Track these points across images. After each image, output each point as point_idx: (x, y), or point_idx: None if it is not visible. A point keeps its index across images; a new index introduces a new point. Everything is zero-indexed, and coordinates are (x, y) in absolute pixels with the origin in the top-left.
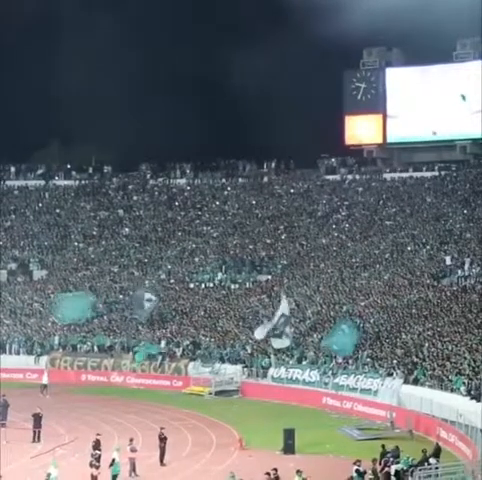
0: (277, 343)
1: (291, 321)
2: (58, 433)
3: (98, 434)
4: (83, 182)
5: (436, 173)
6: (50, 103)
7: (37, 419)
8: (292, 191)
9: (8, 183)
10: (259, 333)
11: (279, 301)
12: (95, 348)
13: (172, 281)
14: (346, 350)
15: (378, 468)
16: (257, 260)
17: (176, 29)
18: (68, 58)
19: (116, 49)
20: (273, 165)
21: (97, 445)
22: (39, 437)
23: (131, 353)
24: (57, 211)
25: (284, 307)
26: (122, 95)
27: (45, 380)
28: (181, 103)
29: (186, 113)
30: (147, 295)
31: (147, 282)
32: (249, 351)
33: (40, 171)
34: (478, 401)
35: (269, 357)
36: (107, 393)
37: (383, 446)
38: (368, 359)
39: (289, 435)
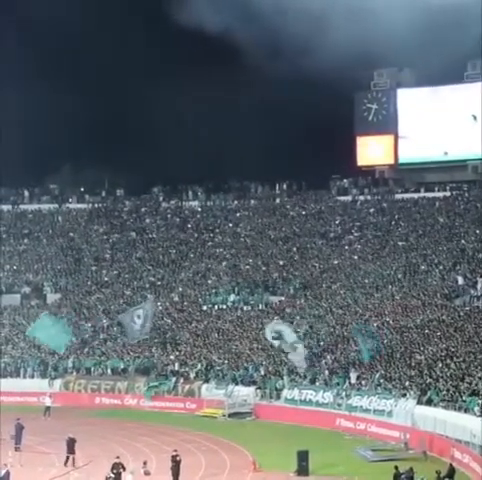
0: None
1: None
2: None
3: (117, 457)
4: (96, 205)
5: (448, 193)
6: (63, 126)
7: (70, 444)
8: (304, 212)
9: (22, 207)
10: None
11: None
12: (109, 371)
13: (185, 303)
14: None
15: None
16: (270, 281)
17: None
18: (84, 80)
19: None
20: (285, 186)
21: (116, 467)
22: (74, 463)
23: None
24: (70, 234)
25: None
26: (135, 117)
27: (48, 402)
28: (193, 125)
29: (197, 135)
30: (137, 312)
31: (160, 304)
32: (262, 373)
33: (53, 192)
34: None
35: (282, 378)
36: (121, 416)
37: (396, 467)
38: (381, 380)
39: (303, 457)
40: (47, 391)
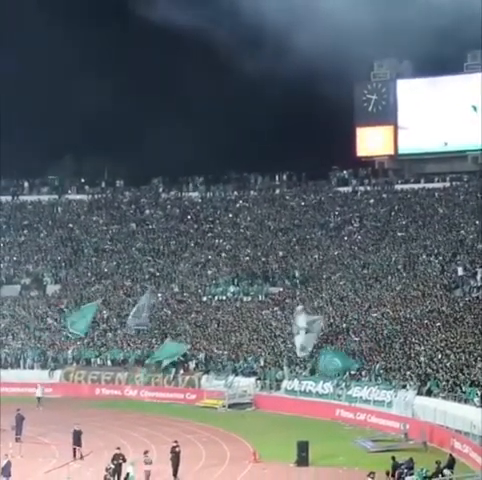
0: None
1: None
2: (72, 446)
3: (118, 448)
4: (96, 196)
5: (448, 184)
6: (63, 118)
7: (76, 436)
8: (304, 203)
9: (21, 198)
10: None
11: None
12: (109, 362)
13: (185, 294)
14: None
15: None
16: (270, 272)
17: None
18: (84, 74)
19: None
20: (285, 177)
21: (116, 458)
22: (81, 455)
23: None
24: (70, 225)
25: (302, 321)
26: (134, 109)
27: (39, 393)
28: (192, 116)
29: (197, 126)
30: (137, 304)
31: (160, 295)
32: (262, 364)
33: (53, 183)
34: None
35: (282, 369)
36: (121, 407)
37: (393, 458)
38: (381, 371)
39: (303, 447)
40: (37, 382)
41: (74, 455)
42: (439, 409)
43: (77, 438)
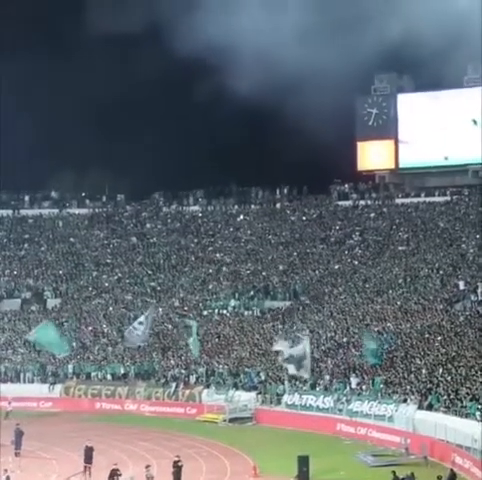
0: (291, 369)
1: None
2: (72, 461)
3: (115, 464)
4: (96, 210)
5: (448, 198)
6: (63, 132)
7: (88, 453)
8: (305, 217)
9: (22, 212)
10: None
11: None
12: (109, 376)
13: (186, 308)
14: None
15: None
16: (270, 286)
17: None
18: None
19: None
20: (286, 191)
21: (113, 475)
22: (90, 473)
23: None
24: (71, 239)
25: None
26: (135, 123)
27: (9, 407)
28: (193, 130)
29: (198, 140)
30: (139, 319)
31: (161, 309)
32: (263, 378)
33: (54, 197)
34: None
35: (283, 384)
36: (121, 421)
37: (394, 473)
38: (382, 385)
39: (303, 462)
40: (9, 396)
41: (84, 472)
42: (440, 423)
43: (89, 455)
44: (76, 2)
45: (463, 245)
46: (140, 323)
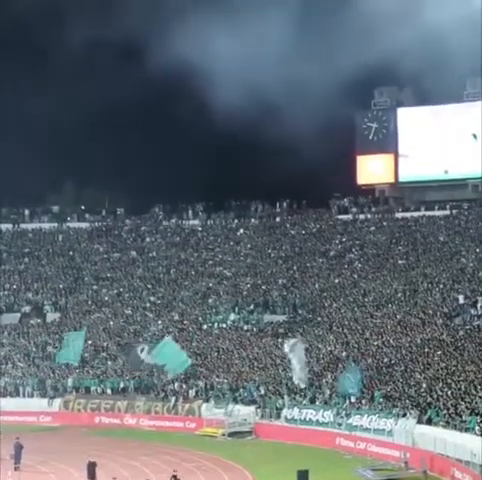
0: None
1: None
2: (72, 475)
3: (114, 478)
4: (96, 224)
5: (448, 212)
6: (63, 146)
7: (91, 469)
8: (304, 231)
9: (22, 226)
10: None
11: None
12: (108, 390)
13: (185, 322)
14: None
15: None
16: (270, 301)
17: None
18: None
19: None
20: (285, 205)
21: None
22: None
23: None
24: (70, 253)
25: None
26: (135, 136)
27: None
28: (191, 145)
29: (197, 154)
30: (140, 346)
31: (160, 322)
32: (262, 392)
33: (54, 211)
34: None
35: (282, 398)
36: (120, 435)
37: None
38: (381, 399)
39: (303, 476)
40: None
41: None
42: (439, 438)
43: (92, 471)
44: (57, 20)
45: (463, 259)
46: (142, 350)
